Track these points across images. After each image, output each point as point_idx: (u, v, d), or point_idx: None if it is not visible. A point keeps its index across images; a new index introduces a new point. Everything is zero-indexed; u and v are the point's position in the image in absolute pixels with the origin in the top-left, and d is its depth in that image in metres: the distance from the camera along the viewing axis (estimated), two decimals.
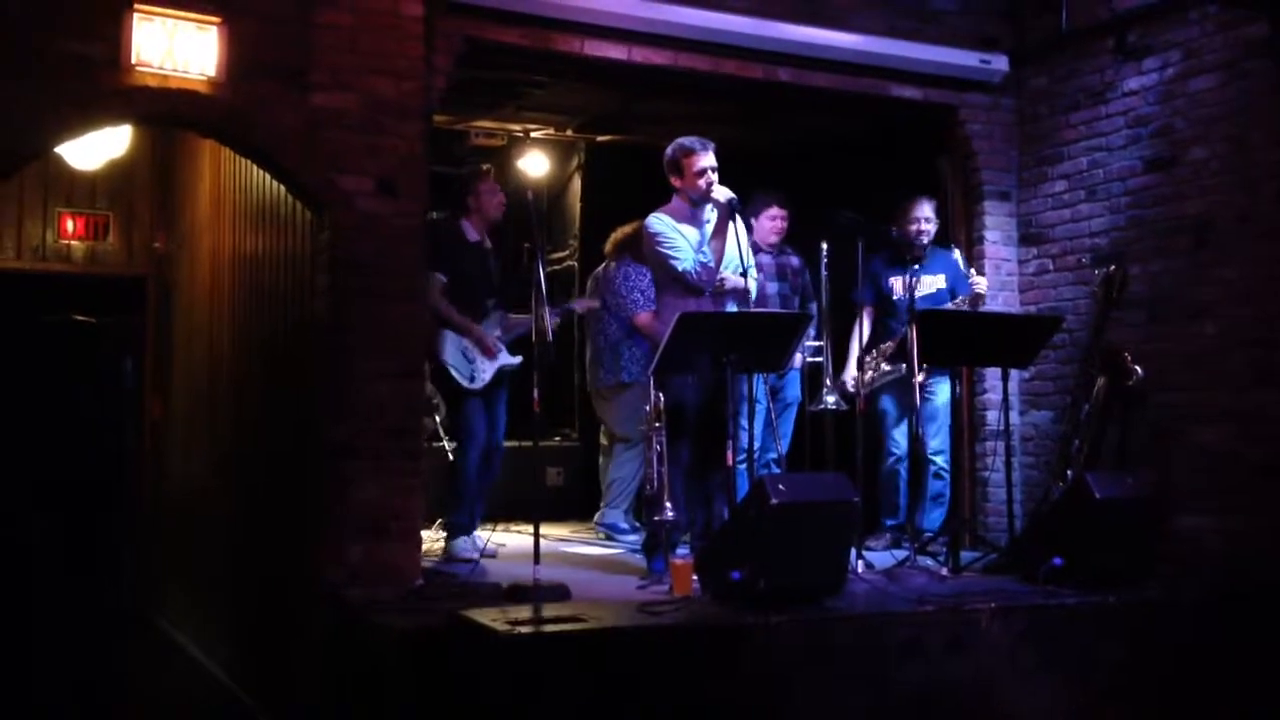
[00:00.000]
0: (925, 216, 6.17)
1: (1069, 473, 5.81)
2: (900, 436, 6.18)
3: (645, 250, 5.40)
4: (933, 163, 6.86)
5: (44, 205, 7.87)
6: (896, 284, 6.16)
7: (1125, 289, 5.94)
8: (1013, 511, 5.60)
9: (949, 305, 6.03)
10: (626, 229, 6.72)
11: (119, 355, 3.82)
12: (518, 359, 5.86)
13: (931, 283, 6.15)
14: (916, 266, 5.96)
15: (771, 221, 6.36)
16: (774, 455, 6.14)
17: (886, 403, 6.24)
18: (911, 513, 6.00)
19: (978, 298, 6.06)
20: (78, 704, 3.96)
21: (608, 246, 6.91)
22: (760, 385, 5.94)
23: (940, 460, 6.18)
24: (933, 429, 6.12)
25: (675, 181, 5.32)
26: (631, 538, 6.61)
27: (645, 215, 5.38)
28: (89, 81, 4.50)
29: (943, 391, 6.20)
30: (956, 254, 6.26)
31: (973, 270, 6.22)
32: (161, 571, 7.59)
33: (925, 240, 6.17)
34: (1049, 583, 4.76)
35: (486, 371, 5.79)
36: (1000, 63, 6.55)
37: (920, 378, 5.50)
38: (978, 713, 4.33)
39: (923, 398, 5.99)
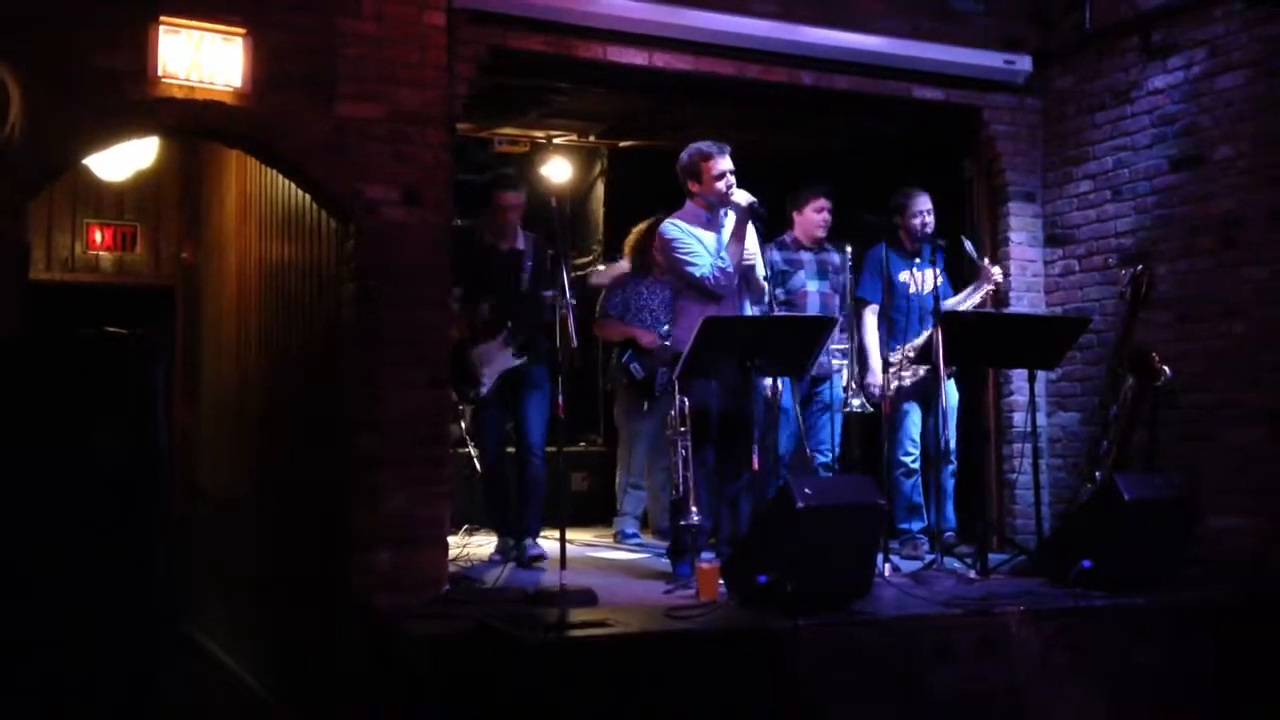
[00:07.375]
0: (927, 209, 6.08)
1: (1097, 474, 5.76)
2: (919, 438, 6.08)
3: (660, 257, 5.39)
4: (957, 164, 6.83)
5: (72, 217, 7.95)
6: (906, 278, 6.04)
7: (1153, 289, 5.87)
8: (1041, 513, 5.58)
9: (965, 305, 5.98)
10: (632, 239, 6.85)
11: (151, 366, 3.82)
12: (518, 359, 5.73)
13: (935, 275, 6.08)
14: (919, 260, 5.90)
15: (818, 214, 6.13)
16: (825, 461, 6.01)
17: (910, 405, 6.08)
18: (940, 514, 5.95)
19: (994, 285, 6.00)
20: (109, 713, 4.00)
21: (630, 265, 6.92)
22: (788, 393, 5.85)
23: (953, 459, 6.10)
24: (950, 428, 6.00)
25: (692, 186, 5.31)
26: (636, 540, 6.71)
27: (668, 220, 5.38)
28: (116, 94, 4.53)
29: (954, 390, 6.13)
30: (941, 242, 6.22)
31: (986, 259, 6.15)
32: (193, 580, 7.64)
33: (929, 231, 6.06)
34: (1079, 585, 4.73)
35: (487, 381, 5.75)
36: (1024, 63, 6.52)
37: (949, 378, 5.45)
38: (1009, 717, 4.31)
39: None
